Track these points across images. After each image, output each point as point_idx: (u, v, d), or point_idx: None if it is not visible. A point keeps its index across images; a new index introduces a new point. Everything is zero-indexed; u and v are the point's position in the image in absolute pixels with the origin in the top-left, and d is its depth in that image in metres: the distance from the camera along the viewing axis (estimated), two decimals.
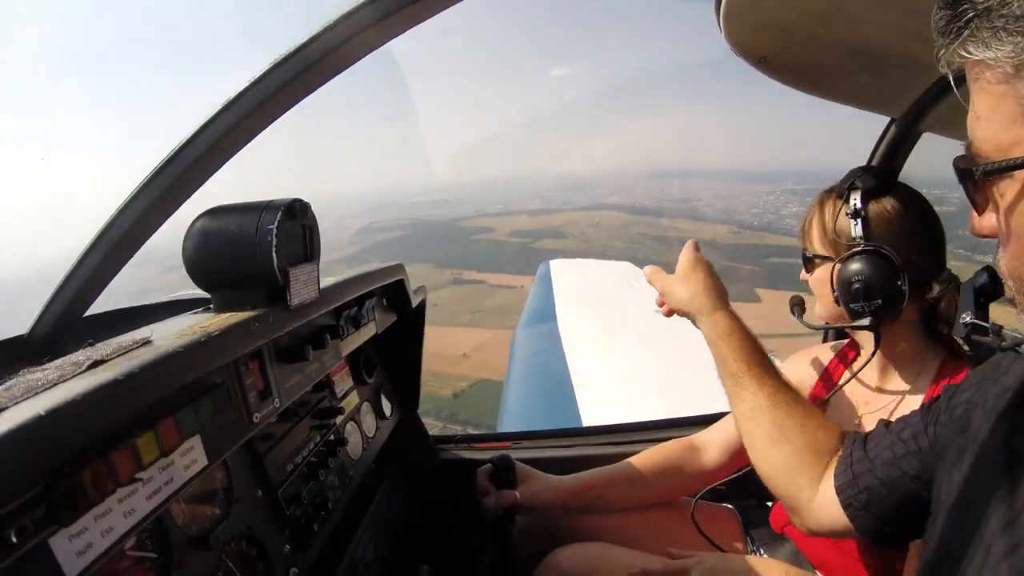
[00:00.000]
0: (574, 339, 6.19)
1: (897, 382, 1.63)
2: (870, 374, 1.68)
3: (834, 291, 1.57)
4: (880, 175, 1.59)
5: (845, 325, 1.60)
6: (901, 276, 1.49)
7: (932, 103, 1.90)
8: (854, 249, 1.54)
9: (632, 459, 1.92)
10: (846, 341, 1.86)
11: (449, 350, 45.53)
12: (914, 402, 1.52)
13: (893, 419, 1.26)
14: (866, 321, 1.54)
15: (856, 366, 1.72)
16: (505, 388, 5.72)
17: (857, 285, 1.52)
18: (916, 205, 1.55)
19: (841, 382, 1.73)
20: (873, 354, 1.57)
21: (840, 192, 1.60)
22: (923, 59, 1.66)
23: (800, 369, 1.88)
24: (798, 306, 1.74)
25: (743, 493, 2.09)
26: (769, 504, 2.01)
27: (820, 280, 1.64)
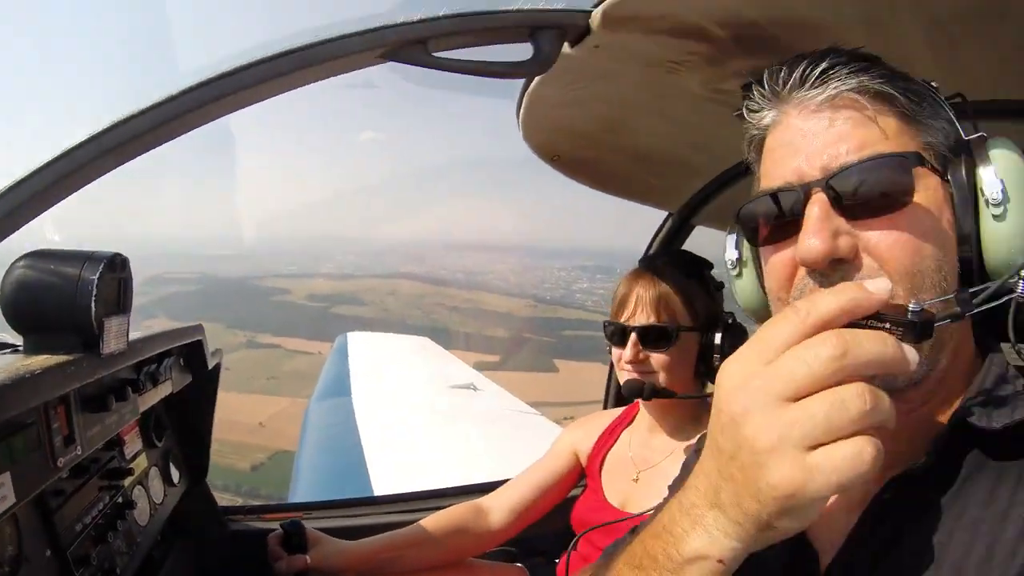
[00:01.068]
0: (368, 413, 6.17)
1: (665, 440, 1.87)
2: (644, 435, 1.92)
3: (700, 364, 1.80)
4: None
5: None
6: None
7: (704, 201, 2.20)
8: (720, 322, 1.79)
9: (421, 522, 1.97)
10: (624, 408, 2.07)
11: (245, 418, 42.47)
12: (683, 452, 1.75)
13: (664, 475, 1.42)
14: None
15: (635, 426, 1.96)
16: (297, 459, 5.52)
17: (717, 354, 1.76)
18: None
19: (618, 443, 1.96)
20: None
21: (691, 270, 1.84)
22: (695, 163, 1.98)
23: (579, 434, 2.07)
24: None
25: (531, 552, 2.21)
26: (556, 561, 2.11)
27: (683, 351, 1.79)
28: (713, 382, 1.81)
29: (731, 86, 1.38)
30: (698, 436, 1.77)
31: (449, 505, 2.10)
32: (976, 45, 1.17)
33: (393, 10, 1.02)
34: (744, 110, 0.97)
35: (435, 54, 1.04)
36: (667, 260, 1.87)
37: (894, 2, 0.79)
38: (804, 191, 0.83)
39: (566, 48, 1.19)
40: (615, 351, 1.85)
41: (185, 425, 2.06)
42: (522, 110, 1.64)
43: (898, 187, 0.82)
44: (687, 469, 1.16)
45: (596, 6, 1.12)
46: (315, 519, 2.28)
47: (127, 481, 1.62)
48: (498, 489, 2.04)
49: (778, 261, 0.88)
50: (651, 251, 2.36)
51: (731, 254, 1.07)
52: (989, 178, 0.82)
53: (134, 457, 1.72)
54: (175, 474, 1.96)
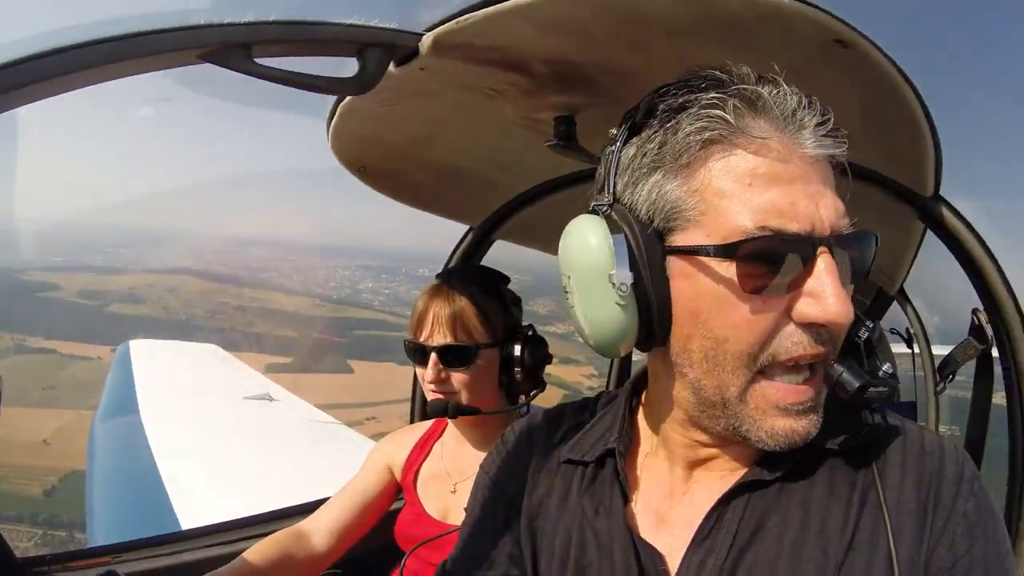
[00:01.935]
0: (160, 434, 5.57)
1: (476, 450, 1.91)
2: (455, 447, 1.95)
3: (502, 377, 1.84)
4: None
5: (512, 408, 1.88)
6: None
7: (504, 217, 2.28)
8: (519, 334, 1.84)
9: (244, 555, 1.83)
10: (432, 421, 2.08)
11: (24, 436, 35.81)
12: None
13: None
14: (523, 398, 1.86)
15: (445, 439, 1.99)
16: (88, 492, 4.82)
17: (518, 367, 1.81)
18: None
19: (431, 456, 1.97)
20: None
21: (488, 286, 1.87)
22: (500, 182, 2.06)
23: (391, 448, 2.05)
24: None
25: (359, 571, 2.14)
26: None
27: (483, 367, 1.82)
28: (515, 393, 1.90)
29: (544, 116, 1.46)
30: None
31: (268, 530, 1.99)
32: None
33: (210, 9, 0.95)
34: (712, 95, 0.84)
35: (257, 61, 0.97)
36: (464, 276, 1.91)
37: (710, 60, 0.87)
38: (815, 243, 0.81)
39: (391, 67, 1.18)
40: (418, 369, 1.87)
41: None
42: (333, 121, 1.61)
43: (866, 267, 0.89)
44: (477, 489, 1.21)
45: (429, 30, 1.12)
46: (125, 562, 2.05)
47: None
48: (317, 511, 1.95)
49: (768, 316, 0.83)
50: (450, 265, 2.40)
51: (625, 276, 0.86)
52: None
53: None
54: None
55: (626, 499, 0.99)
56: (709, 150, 0.84)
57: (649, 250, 0.86)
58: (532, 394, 1.90)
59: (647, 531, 0.97)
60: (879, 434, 0.92)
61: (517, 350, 1.83)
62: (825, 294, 0.80)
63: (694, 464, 0.98)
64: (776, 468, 0.91)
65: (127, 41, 0.86)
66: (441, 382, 1.79)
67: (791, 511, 0.89)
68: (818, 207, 0.81)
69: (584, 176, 2.00)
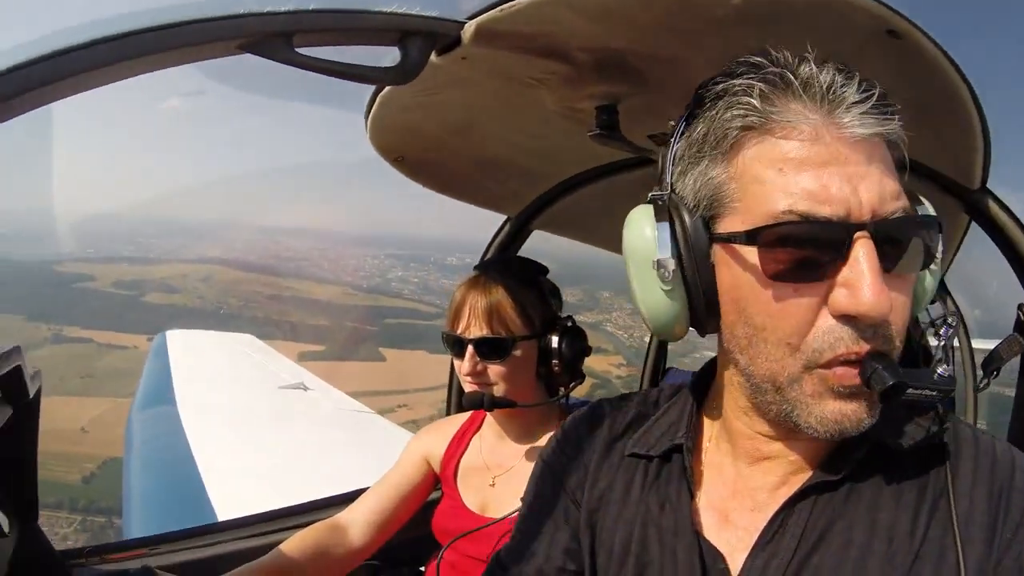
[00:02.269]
0: (197, 423, 5.63)
1: (515, 444, 1.90)
2: (493, 441, 1.94)
3: (540, 368, 1.83)
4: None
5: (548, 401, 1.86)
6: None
7: (542, 207, 2.26)
8: (558, 326, 1.83)
9: (280, 548, 1.84)
10: (470, 413, 2.06)
11: (64, 424, 37.07)
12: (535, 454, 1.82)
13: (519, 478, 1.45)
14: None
15: (484, 432, 1.98)
16: (125, 483, 4.89)
17: (556, 360, 1.80)
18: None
19: (469, 449, 1.97)
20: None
21: (526, 277, 1.87)
22: (538, 171, 2.04)
23: (429, 440, 2.04)
24: None
25: (394, 562, 2.15)
26: (422, 569, 2.10)
27: (520, 360, 1.80)
28: (553, 385, 1.89)
29: (584, 106, 1.43)
30: (546, 437, 1.84)
31: (304, 522, 2.00)
32: None
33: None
34: (742, 82, 0.83)
35: (299, 50, 0.96)
36: (501, 267, 1.90)
37: (754, 48, 0.85)
38: (850, 229, 0.77)
39: (432, 56, 1.17)
40: (455, 361, 1.86)
41: (7, 464, 1.78)
42: (372, 111, 1.60)
43: (928, 251, 0.84)
44: (535, 479, 1.18)
45: (472, 18, 1.11)
46: (161, 554, 2.09)
47: None
48: (354, 503, 1.96)
49: (801, 305, 0.80)
50: (488, 255, 2.38)
51: (663, 254, 0.88)
52: None
53: None
54: (3, 522, 1.69)
55: (691, 496, 0.98)
56: (745, 136, 0.83)
57: (694, 237, 0.87)
58: (571, 386, 1.87)
59: (710, 530, 0.96)
60: (950, 439, 0.89)
61: (555, 342, 1.81)
62: (859, 284, 0.76)
63: (758, 459, 0.96)
64: (842, 468, 0.88)
65: (168, 31, 0.86)
66: (478, 374, 1.78)
67: (858, 517, 0.87)
68: (857, 190, 0.77)
69: (624, 165, 1.97)
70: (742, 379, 0.91)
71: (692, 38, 1.15)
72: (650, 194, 0.94)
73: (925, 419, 0.89)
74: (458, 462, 1.96)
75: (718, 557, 0.92)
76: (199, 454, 5.00)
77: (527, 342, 1.80)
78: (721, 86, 0.86)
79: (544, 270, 1.95)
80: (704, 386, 1.09)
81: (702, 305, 0.89)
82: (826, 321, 0.79)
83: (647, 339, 3.11)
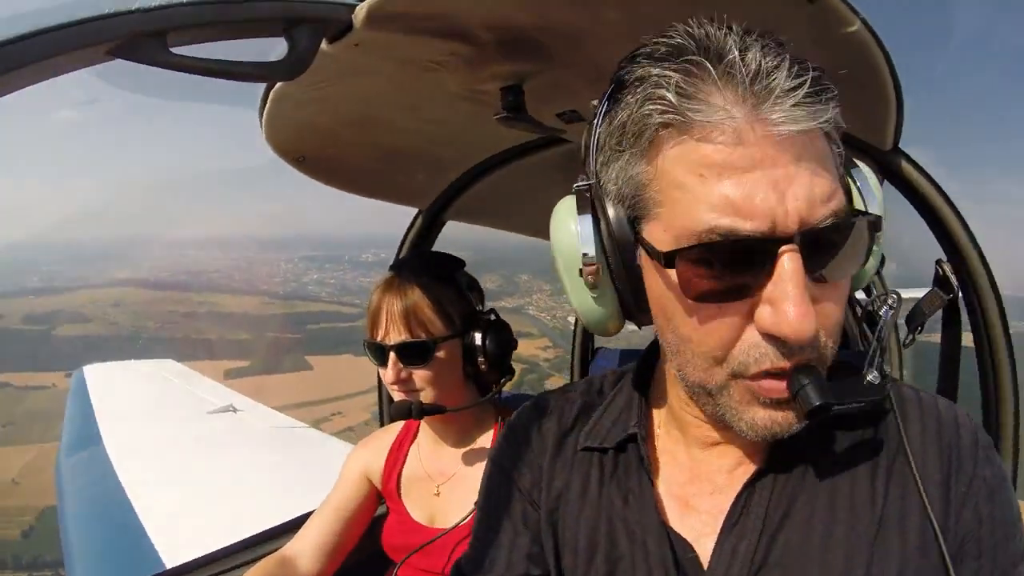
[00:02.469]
0: (128, 464, 5.26)
1: (454, 450, 1.85)
2: (431, 448, 1.88)
3: (467, 368, 1.76)
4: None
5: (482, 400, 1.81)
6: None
7: (454, 196, 2.20)
8: (480, 321, 1.77)
9: None
10: (404, 423, 1.99)
11: None
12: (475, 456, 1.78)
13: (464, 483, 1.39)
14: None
15: (420, 440, 1.92)
16: (63, 538, 4.58)
17: (481, 357, 1.75)
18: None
19: (408, 461, 1.91)
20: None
21: (442, 273, 1.79)
22: (446, 159, 1.98)
23: (366, 456, 1.97)
24: None
25: None
26: None
27: (445, 361, 1.74)
28: (484, 384, 1.84)
29: (488, 87, 1.39)
30: (485, 438, 1.80)
31: (258, 555, 1.90)
32: None
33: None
34: (653, 72, 0.76)
35: (174, 51, 0.86)
36: (415, 266, 1.83)
37: (663, 18, 0.80)
38: (776, 243, 0.71)
39: (323, 45, 1.09)
40: (380, 370, 1.79)
41: None
42: (266, 108, 1.50)
43: (861, 254, 0.79)
44: (487, 483, 1.13)
45: (363, 1, 1.03)
46: None
47: None
48: (300, 532, 1.87)
49: (725, 323, 0.76)
50: (402, 252, 2.31)
51: (589, 250, 0.84)
52: None
53: None
54: None
55: (652, 486, 0.96)
56: (664, 134, 0.75)
57: (619, 235, 0.82)
58: (502, 382, 1.83)
59: (674, 518, 0.94)
60: (895, 402, 0.91)
61: (479, 339, 1.75)
62: (783, 305, 0.71)
63: (710, 444, 0.95)
64: (795, 446, 0.87)
65: (24, 44, 0.75)
66: (403, 381, 1.72)
67: (819, 490, 0.88)
68: (784, 197, 0.70)
69: (534, 146, 1.94)
70: (679, 376, 0.89)
71: (592, 8, 1.11)
72: (575, 185, 0.89)
73: (868, 384, 0.87)
74: (399, 475, 1.89)
75: (686, 546, 0.91)
76: (135, 498, 4.70)
77: (450, 342, 1.73)
78: (639, 72, 0.77)
79: (461, 263, 1.88)
80: (648, 372, 1.06)
81: (633, 305, 0.87)
82: (752, 336, 0.76)
83: (571, 319, 3.12)
